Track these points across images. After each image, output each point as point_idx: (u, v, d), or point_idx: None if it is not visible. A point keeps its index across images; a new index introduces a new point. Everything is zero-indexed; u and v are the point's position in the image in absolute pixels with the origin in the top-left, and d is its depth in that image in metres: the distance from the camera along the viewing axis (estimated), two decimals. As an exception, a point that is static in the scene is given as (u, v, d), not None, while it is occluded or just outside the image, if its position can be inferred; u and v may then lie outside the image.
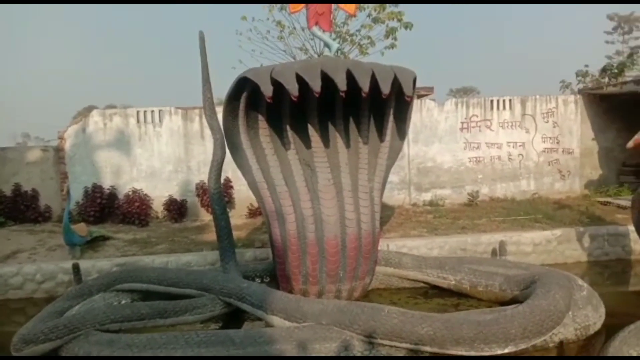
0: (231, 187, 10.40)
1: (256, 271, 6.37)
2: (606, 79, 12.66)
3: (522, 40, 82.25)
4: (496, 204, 11.01)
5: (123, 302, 5.67)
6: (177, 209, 10.34)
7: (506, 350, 4.04)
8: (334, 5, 5.90)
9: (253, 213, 10.26)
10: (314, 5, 5.65)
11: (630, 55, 14.60)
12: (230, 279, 5.50)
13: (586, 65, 13.89)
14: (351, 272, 5.57)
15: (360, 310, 4.28)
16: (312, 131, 5.83)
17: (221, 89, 5.94)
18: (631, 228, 7.69)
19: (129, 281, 5.76)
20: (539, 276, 5.00)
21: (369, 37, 11.46)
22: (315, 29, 5.82)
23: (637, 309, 5.92)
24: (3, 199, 10.23)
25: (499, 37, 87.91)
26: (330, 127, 5.93)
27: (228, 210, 10.39)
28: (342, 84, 4.68)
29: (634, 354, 3.89)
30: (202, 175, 10.48)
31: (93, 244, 8.14)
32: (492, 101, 11.80)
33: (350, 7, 6.01)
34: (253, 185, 5.71)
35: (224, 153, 6.05)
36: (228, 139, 5.74)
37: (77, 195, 10.38)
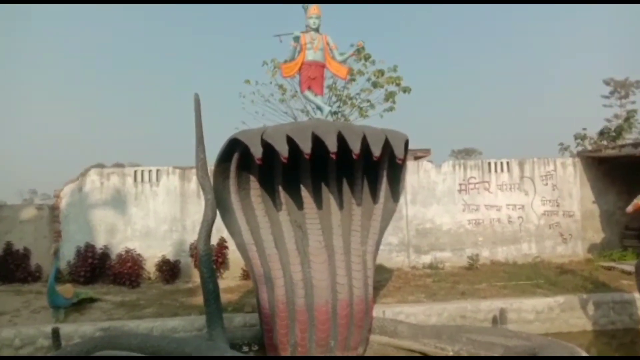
0: (226, 247, 10.22)
1: (244, 338, 6.08)
2: (604, 142, 12.74)
3: (522, 102, 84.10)
4: (497, 267, 10.74)
5: (101, 371, 5.36)
6: (169, 270, 10.11)
7: None
8: (326, 70, 5.97)
9: (247, 275, 9.98)
10: (306, 70, 5.74)
11: (627, 119, 14.81)
12: (215, 348, 5.21)
13: (584, 128, 14.07)
14: (342, 342, 5.29)
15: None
16: (304, 192, 5.73)
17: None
18: (637, 295, 7.44)
19: (109, 348, 5.46)
20: (539, 348, 4.73)
21: (369, 101, 11.69)
22: (307, 92, 5.88)
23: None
24: (-7, 258, 10.04)
25: (500, 100, 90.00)
26: (324, 188, 5.85)
27: (222, 271, 10.34)
28: (332, 146, 4.65)
29: None
30: (197, 235, 10.30)
31: (79, 306, 7.86)
32: (489, 163, 11.81)
33: (342, 72, 6.10)
34: (242, 247, 5.55)
35: (214, 214, 5.92)
36: (218, 199, 5.64)
37: (69, 254, 10.21)
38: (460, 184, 11.63)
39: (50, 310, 7.41)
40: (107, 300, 8.52)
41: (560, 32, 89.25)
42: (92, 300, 8.27)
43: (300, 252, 5.43)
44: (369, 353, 5.95)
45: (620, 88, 42.16)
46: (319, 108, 5.93)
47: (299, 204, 5.71)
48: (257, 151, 4.78)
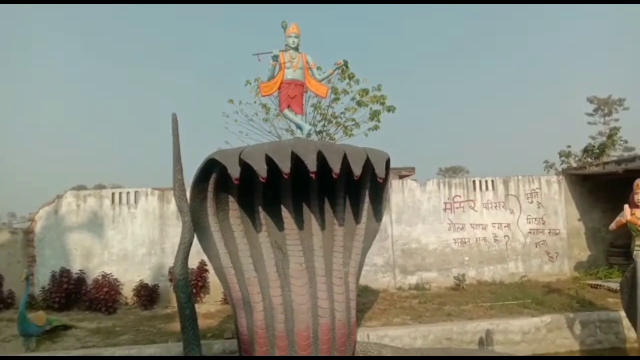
0: (206, 270, 9.94)
1: (223, 366, 5.82)
2: (588, 159, 12.82)
3: (508, 120, 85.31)
4: (484, 287, 10.62)
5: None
6: (147, 295, 9.79)
7: None
8: (305, 89, 5.88)
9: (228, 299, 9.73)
10: (286, 89, 5.64)
11: (610, 136, 14.98)
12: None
13: (569, 146, 14.16)
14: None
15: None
16: (285, 212, 5.57)
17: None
18: (623, 314, 7.34)
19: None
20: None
21: (354, 119, 11.65)
22: (287, 111, 5.78)
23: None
24: (-36, 284, 9.65)
25: (486, 118, 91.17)
26: (305, 209, 5.70)
27: (202, 295, 10.06)
28: (312, 165, 4.53)
29: None
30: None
31: (52, 334, 7.53)
32: (474, 181, 11.78)
33: (322, 90, 6.01)
34: (219, 271, 5.36)
35: (192, 236, 5.74)
36: (195, 221, 5.46)
37: (44, 279, 9.87)
38: (445, 203, 11.56)
39: (21, 338, 7.07)
40: (82, 327, 8.18)
41: (545, 50, 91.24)
42: (65, 327, 7.94)
43: (281, 275, 5.26)
44: (352, 379, 5.75)
45: (603, 106, 42.91)
46: (299, 127, 5.83)
47: (280, 224, 5.55)
48: (234, 171, 4.64)
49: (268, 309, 5.07)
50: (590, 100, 42.98)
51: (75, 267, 10.08)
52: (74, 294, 9.70)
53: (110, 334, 7.71)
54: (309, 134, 6.02)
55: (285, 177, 4.58)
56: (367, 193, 5.51)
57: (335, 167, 4.60)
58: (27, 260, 10.17)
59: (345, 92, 11.56)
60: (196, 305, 5.89)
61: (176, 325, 8.02)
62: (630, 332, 7.56)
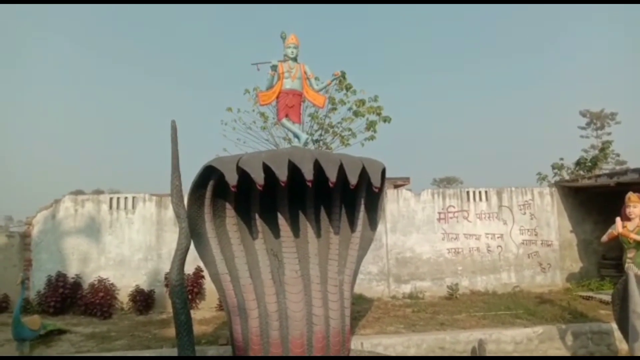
0: (202, 276, 10.00)
1: (217, 372, 5.86)
2: (581, 172, 12.96)
3: (503, 132, 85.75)
4: (477, 297, 10.70)
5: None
6: (143, 300, 9.82)
7: None
8: (303, 98, 5.98)
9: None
10: (284, 98, 5.74)
11: (602, 149, 15.15)
12: (185, 382, 5.02)
13: (561, 159, 14.32)
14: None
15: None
16: (281, 220, 5.63)
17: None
18: (614, 326, 7.42)
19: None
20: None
21: (350, 129, 11.76)
22: (285, 120, 5.86)
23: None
24: (-41, 287, 9.66)
25: (481, 129, 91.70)
26: (301, 216, 5.76)
27: (198, 301, 10.09)
28: (308, 174, 4.60)
29: None
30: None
31: (46, 338, 7.56)
32: (468, 192, 11.90)
33: (319, 100, 6.10)
34: (215, 277, 5.40)
35: (189, 242, 5.79)
36: (192, 227, 5.51)
37: (39, 284, 9.90)
38: (439, 213, 11.66)
39: (14, 343, 7.08)
40: (77, 331, 8.21)
41: (539, 64, 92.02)
42: (60, 332, 7.96)
43: (276, 282, 5.31)
44: (345, 387, 5.79)
45: (596, 119, 43.33)
46: (297, 136, 5.91)
47: (276, 232, 5.61)
48: (232, 178, 4.71)
49: (263, 315, 5.12)
50: (583, 114, 43.40)
51: (72, 272, 10.11)
52: (70, 298, 9.73)
53: (105, 339, 7.74)
54: (306, 143, 6.10)
55: (282, 185, 4.65)
56: (362, 202, 5.58)
57: (332, 176, 4.67)
58: (24, 264, 10.19)
59: (343, 102, 11.68)
60: (191, 311, 5.93)
61: (171, 331, 8.04)
62: (622, 344, 7.63)
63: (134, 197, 10.74)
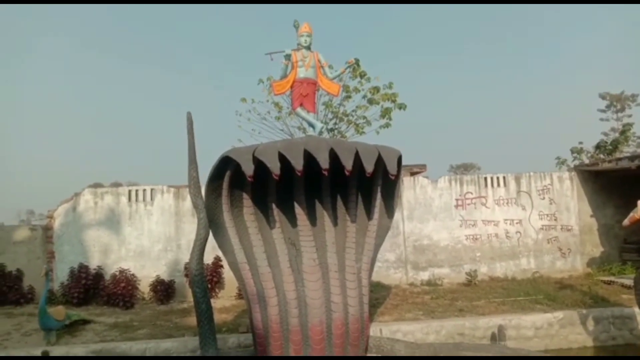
0: (221, 266, 10.10)
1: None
2: (601, 156, 12.73)
3: (520, 117, 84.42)
4: (496, 283, 10.63)
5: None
6: (164, 290, 9.98)
7: None
8: (317, 87, 5.96)
9: (242, 294, 9.87)
10: (298, 87, 5.73)
11: (623, 132, 14.85)
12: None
13: (580, 142, 14.08)
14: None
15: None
16: (298, 209, 5.66)
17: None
18: (637, 310, 7.34)
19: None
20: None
21: (365, 117, 11.70)
22: (299, 109, 5.87)
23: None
24: (-14, 280, 9.92)
25: (498, 114, 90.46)
26: (318, 205, 5.79)
27: (217, 290, 10.22)
28: (324, 163, 4.61)
29: None
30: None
31: (71, 328, 7.74)
32: (486, 178, 11.78)
33: (334, 89, 6.09)
34: (234, 266, 5.48)
35: (207, 232, 5.86)
36: (210, 218, 5.58)
37: (62, 275, 10.12)
38: (457, 200, 11.58)
39: (41, 332, 7.28)
40: (100, 321, 8.39)
41: (558, 47, 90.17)
42: (84, 322, 8.15)
43: (294, 271, 5.36)
44: (365, 373, 5.84)
45: (616, 102, 42.34)
46: (311, 125, 5.91)
47: (293, 221, 5.65)
48: (248, 168, 4.74)
49: (282, 303, 5.18)
50: (603, 97, 42.41)
51: (93, 263, 10.31)
52: (92, 289, 9.93)
53: (128, 328, 7.89)
54: (320, 132, 6.10)
55: (298, 174, 4.68)
56: (378, 190, 5.58)
57: (348, 164, 4.68)
58: (46, 256, 10.41)
59: (357, 90, 11.61)
60: (211, 300, 6.01)
61: (192, 320, 8.19)
62: (644, 328, 7.57)
63: (152, 189, 10.87)
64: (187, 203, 10.71)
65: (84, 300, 9.75)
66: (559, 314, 7.68)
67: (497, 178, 11.81)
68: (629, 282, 9.17)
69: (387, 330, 7.06)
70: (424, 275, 11.19)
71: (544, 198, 11.85)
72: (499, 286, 10.26)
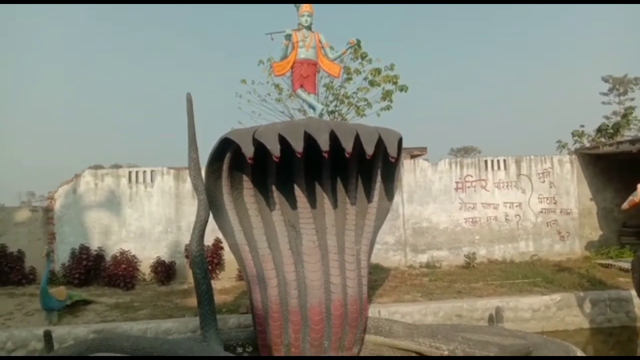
0: (221, 247, 10.16)
1: (238, 340, 6.03)
2: (602, 139, 12.70)
3: (521, 100, 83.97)
4: (494, 266, 10.71)
5: (92, 374, 5.30)
6: (164, 271, 10.05)
7: None
8: (319, 68, 5.92)
9: (242, 275, 9.94)
10: (299, 68, 5.69)
11: (625, 115, 14.78)
12: (208, 350, 5.16)
13: (582, 126, 14.02)
14: (337, 342, 5.24)
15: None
16: (298, 191, 5.66)
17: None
18: (634, 293, 7.38)
19: (101, 350, 5.39)
20: (534, 347, 4.69)
21: (366, 99, 11.65)
22: (300, 91, 5.84)
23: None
24: (-12, 260, 9.99)
25: (499, 98, 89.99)
26: (317, 188, 5.78)
27: (217, 272, 10.29)
28: (324, 145, 4.59)
29: None
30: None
31: (73, 308, 7.81)
32: (486, 161, 11.78)
33: (334, 70, 6.05)
34: (234, 248, 5.50)
35: (207, 214, 5.85)
36: (210, 199, 5.57)
37: (63, 256, 10.17)
38: (456, 182, 11.60)
39: (43, 312, 7.35)
40: (102, 302, 8.46)
41: (559, 30, 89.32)
42: (86, 302, 8.22)
43: (294, 252, 5.38)
44: (363, 353, 5.91)
45: (618, 85, 42.10)
46: (312, 107, 5.89)
47: (293, 203, 5.65)
48: (248, 150, 4.73)
49: (282, 284, 5.21)
50: (605, 80, 42.15)
51: (94, 245, 10.36)
52: (93, 270, 10.00)
53: (128, 308, 7.97)
54: (321, 114, 6.07)
55: (298, 156, 4.67)
56: (379, 172, 5.57)
57: (348, 146, 4.66)
58: (47, 237, 10.47)
59: (358, 71, 11.53)
60: (212, 282, 6.05)
61: (192, 301, 8.25)
62: (640, 311, 7.65)
63: (152, 171, 10.87)
64: (187, 185, 10.72)
65: (85, 281, 9.83)
66: (557, 297, 7.75)
67: (498, 161, 11.81)
68: (626, 265, 9.20)
69: (386, 312, 7.13)
70: (423, 258, 11.26)
71: (544, 181, 11.86)
72: (497, 269, 10.33)
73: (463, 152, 48.22)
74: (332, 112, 11.76)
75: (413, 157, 12.28)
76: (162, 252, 10.48)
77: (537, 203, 11.79)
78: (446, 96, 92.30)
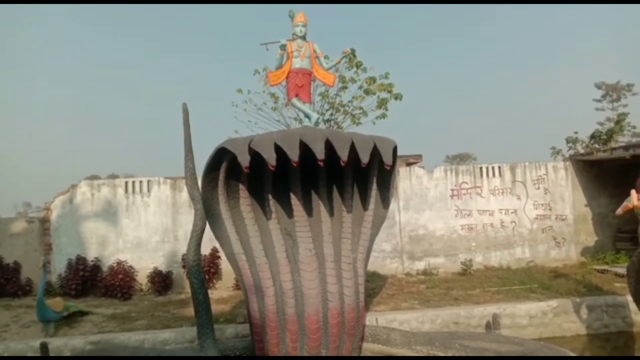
0: (218, 257, 10.15)
1: (235, 349, 6.01)
2: (596, 145, 12.79)
3: (515, 107, 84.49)
4: (491, 273, 10.73)
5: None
6: (161, 281, 10.03)
7: None
8: (313, 77, 5.97)
9: (240, 285, 9.94)
10: (294, 78, 5.73)
11: (618, 122, 14.86)
12: None
13: (576, 132, 14.09)
14: (334, 351, 5.24)
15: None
16: (294, 200, 5.69)
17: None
18: (630, 298, 7.42)
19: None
20: (532, 353, 4.70)
21: (361, 108, 11.70)
22: (295, 100, 5.88)
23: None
24: (-17, 272, 9.94)
25: (493, 105, 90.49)
26: (314, 196, 5.81)
27: (214, 281, 10.28)
28: (320, 154, 4.62)
29: None
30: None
31: (69, 319, 7.78)
32: (481, 168, 11.85)
33: (329, 79, 6.10)
34: (231, 257, 5.51)
35: (204, 223, 5.88)
36: (207, 209, 5.60)
37: (60, 267, 10.14)
38: (452, 190, 11.64)
39: (40, 324, 7.32)
40: (99, 313, 8.43)
41: (552, 37, 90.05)
42: (82, 313, 8.19)
43: (291, 261, 5.39)
44: (361, 361, 5.91)
45: (611, 91, 42.45)
46: (307, 116, 5.93)
47: (289, 212, 5.68)
48: (244, 160, 4.75)
49: (279, 293, 5.22)
50: (598, 86, 42.50)
51: (91, 255, 10.34)
52: (90, 280, 9.97)
53: (126, 319, 7.94)
54: (316, 123, 6.11)
55: (294, 165, 4.70)
56: (374, 180, 5.60)
57: (343, 154, 4.69)
58: (44, 248, 10.43)
59: (353, 80, 11.59)
60: (209, 291, 6.05)
61: (190, 311, 8.24)
62: (637, 317, 7.68)
63: (148, 181, 10.88)
64: (184, 194, 10.73)
65: (81, 291, 9.79)
66: (553, 303, 7.77)
67: (493, 168, 11.88)
68: (622, 270, 9.26)
69: (383, 319, 7.13)
70: (420, 265, 11.28)
71: (538, 188, 11.93)
72: (494, 275, 10.36)
73: (458, 159, 48.39)
74: (328, 120, 11.81)
75: (408, 164, 12.33)
76: (159, 262, 10.46)
77: (532, 209, 11.85)
78: (441, 104, 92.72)
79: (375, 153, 4.96)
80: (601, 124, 29.59)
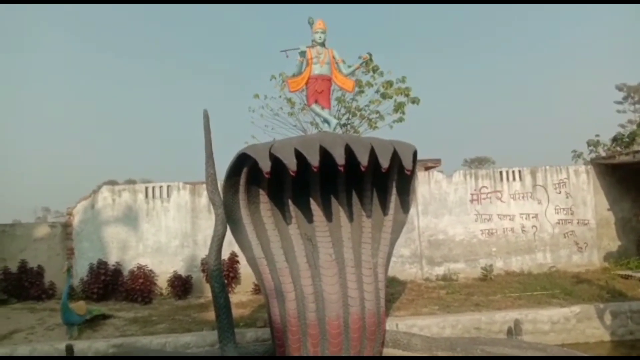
0: (237, 261, 10.22)
1: (256, 353, 6.04)
2: (618, 148, 12.58)
3: (535, 110, 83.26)
4: (512, 278, 10.60)
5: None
6: (181, 285, 10.13)
7: None
8: (332, 83, 6.01)
9: (259, 289, 9.93)
10: (313, 84, 5.77)
11: (640, 124, 14.59)
12: (227, 363, 5.20)
13: (597, 135, 13.89)
14: (355, 355, 5.23)
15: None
16: (314, 205, 5.72)
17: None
18: (655, 304, 7.28)
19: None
20: (556, 360, 4.64)
21: (378, 112, 11.72)
22: (314, 106, 5.91)
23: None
24: (8, 275, 10.18)
25: (512, 108, 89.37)
26: (333, 201, 5.83)
27: (234, 285, 10.35)
28: (340, 159, 4.64)
29: None
30: (208, 249, 10.38)
31: (92, 323, 7.91)
32: (501, 172, 11.73)
33: (348, 85, 6.13)
34: (252, 262, 5.54)
35: (225, 228, 5.96)
36: (228, 214, 5.64)
37: (82, 271, 10.31)
38: (472, 194, 11.55)
39: (64, 327, 7.45)
40: (120, 316, 8.55)
41: (573, 39, 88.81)
42: (105, 316, 8.31)
43: (311, 266, 5.41)
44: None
45: (633, 93, 41.63)
46: (327, 121, 5.96)
47: (309, 217, 5.70)
48: (265, 165, 4.79)
49: (299, 298, 5.24)
50: (620, 88, 41.71)
51: (112, 259, 10.49)
52: (111, 284, 10.11)
53: (147, 323, 8.04)
54: (335, 128, 6.14)
55: (314, 170, 4.72)
56: (394, 185, 5.60)
57: (363, 160, 4.70)
58: (67, 253, 10.63)
59: (370, 84, 11.62)
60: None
61: (210, 314, 8.32)
62: (663, 323, 7.51)
63: (168, 186, 11.02)
64: (203, 199, 10.84)
65: (103, 295, 9.94)
66: (576, 309, 7.65)
67: (513, 172, 11.76)
68: (647, 276, 9.10)
69: (403, 325, 7.10)
70: (439, 270, 11.19)
71: (560, 192, 11.76)
72: (515, 281, 10.24)
73: (477, 162, 47.92)
74: (345, 125, 11.83)
75: (427, 169, 12.27)
76: (178, 266, 10.57)
77: (553, 214, 11.68)
78: (459, 107, 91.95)
79: (394, 158, 4.96)
80: (623, 126, 29.09)
